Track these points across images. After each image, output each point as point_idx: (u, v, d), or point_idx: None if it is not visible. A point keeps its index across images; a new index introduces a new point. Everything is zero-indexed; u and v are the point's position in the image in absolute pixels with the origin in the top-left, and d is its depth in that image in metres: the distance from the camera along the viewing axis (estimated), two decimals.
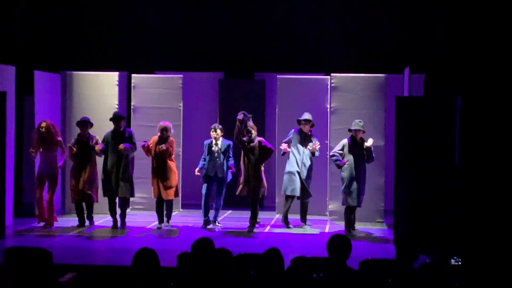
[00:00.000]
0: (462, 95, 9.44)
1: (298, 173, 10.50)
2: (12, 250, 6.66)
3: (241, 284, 5.23)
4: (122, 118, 10.46)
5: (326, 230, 10.66)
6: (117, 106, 11.94)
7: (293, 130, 10.71)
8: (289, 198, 10.56)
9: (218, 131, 10.51)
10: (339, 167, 10.18)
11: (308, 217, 10.75)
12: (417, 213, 9.61)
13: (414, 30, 12.86)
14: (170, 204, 10.45)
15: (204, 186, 10.48)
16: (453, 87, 10.07)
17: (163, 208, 10.40)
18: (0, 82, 10.45)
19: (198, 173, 10.53)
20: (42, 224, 10.31)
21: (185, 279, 5.66)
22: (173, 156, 10.49)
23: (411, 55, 12.51)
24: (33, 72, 11.56)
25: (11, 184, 10.60)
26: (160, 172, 10.29)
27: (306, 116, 10.61)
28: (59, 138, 10.30)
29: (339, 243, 5.54)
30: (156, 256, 5.04)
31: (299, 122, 10.65)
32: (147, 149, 10.22)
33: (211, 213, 10.55)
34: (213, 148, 10.45)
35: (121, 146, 10.07)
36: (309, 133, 10.64)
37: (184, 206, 12.62)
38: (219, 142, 10.47)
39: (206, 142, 10.60)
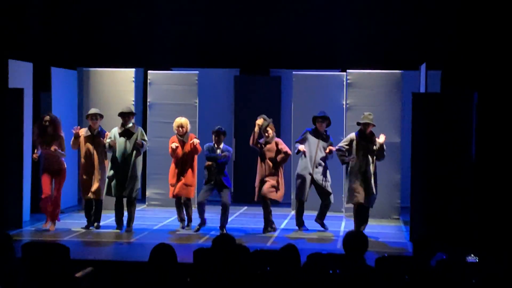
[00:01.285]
0: (478, 90, 9.40)
1: (311, 175, 10.00)
2: (29, 246, 6.72)
3: (258, 280, 5.24)
4: (130, 114, 10.01)
5: (342, 228, 10.63)
6: (133, 103, 11.98)
7: (306, 129, 10.29)
8: (298, 202, 10.13)
9: (222, 137, 10.03)
10: (344, 162, 9.82)
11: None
12: (434, 209, 9.59)
13: (430, 25, 12.79)
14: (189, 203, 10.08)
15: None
16: (469, 83, 9.99)
17: (182, 207, 10.08)
18: (17, 78, 10.52)
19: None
20: (47, 224, 9.89)
21: (202, 275, 5.68)
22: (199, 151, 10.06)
23: (427, 51, 12.45)
24: (50, 69, 11.62)
25: (28, 180, 10.68)
26: (183, 170, 9.95)
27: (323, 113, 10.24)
28: (62, 134, 9.94)
29: (355, 240, 5.53)
30: (174, 251, 5.06)
31: (314, 120, 10.18)
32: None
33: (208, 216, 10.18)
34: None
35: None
36: (325, 132, 10.21)
37: None
38: (221, 147, 9.99)
39: (206, 145, 10.06)
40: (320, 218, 10.11)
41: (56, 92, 11.70)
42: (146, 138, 10.09)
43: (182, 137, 10.00)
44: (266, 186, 9.84)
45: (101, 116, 10.11)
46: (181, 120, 10.07)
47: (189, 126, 10.11)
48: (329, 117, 10.17)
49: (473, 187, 9.47)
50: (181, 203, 10.07)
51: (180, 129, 10.00)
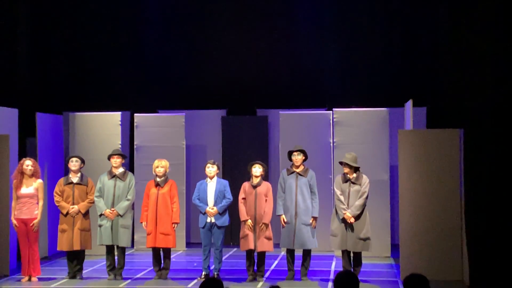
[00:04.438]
0: (464, 127, 9.44)
1: (295, 218, 9.43)
2: None
3: None
4: (119, 155, 9.77)
5: (332, 268, 10.54)
6: (120, 146, 11.94)
7: (282, 171, 9.79)
8: (288, 251, 9.60)
9: (216, 167, 9.72)
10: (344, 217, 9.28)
11: (313, 253, 9.87)
12: (424, 247, 9.54)
13: (415, 63, 12.91)
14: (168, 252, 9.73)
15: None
16: (455, 120, 10.03)
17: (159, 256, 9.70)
18: (3, 124, 10.48)
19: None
20: (25, 277, 9.52)
21: None
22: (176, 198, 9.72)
23: (412, 88, 12.53)
24: (35, 114, 11.59)
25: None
26: (159, 218, 9.57)
27: (299, 146, 9.66)
28: (41, 179, 9.69)
29: (346, 280, 5.46)
30: None
31: (290, 155, 9.65)
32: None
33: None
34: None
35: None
36: (303, 167, 9.59)
37: (189, 245, 12.55)
38: (214, 181, 9.70)
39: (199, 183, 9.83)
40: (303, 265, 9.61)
41: (42, 137, 11.65)
42: (133, 192, 9.76)
43: (160, 178, 9.72)
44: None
45: (83, 161, 9.91)
46: (161, 161, 9.75)
47: (168, 169, 9.81)
48: (304, 150, 9.59)
49: (462, 224, 9.45)
50: (159, 253, 9.70)
51: (160, 168, 9.64)
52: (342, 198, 9.31)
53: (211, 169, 9.66)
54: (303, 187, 9.50)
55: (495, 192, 8.93)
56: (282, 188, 9.59)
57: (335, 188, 9.51)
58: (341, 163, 9.51)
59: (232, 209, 10.00)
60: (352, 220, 9.21)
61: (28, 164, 9.57)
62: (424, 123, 12.18)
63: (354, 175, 9.33)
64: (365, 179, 9.36)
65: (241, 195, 9.52)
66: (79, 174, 9.77)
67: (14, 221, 9.51)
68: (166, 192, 9.64)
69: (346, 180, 9.38)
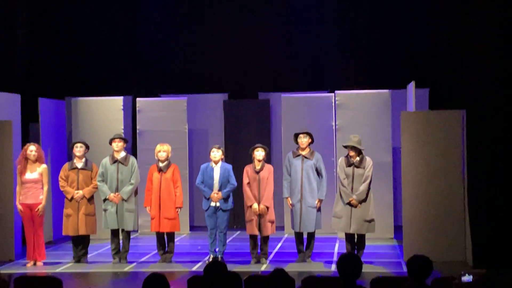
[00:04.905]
0: (467, 108, 9.44)
1: (301, 201, 9.45)
2: (22, 279, 6.65)
3: None
4: (121, 139, 9.75)
5: (336, 250, 10.58)
6: (122, 131, 11.96)
7: (288, 153, 9.76)
8: (296, 233, 9.60)
9: (220, 152, 9.71)
10: (348, 202, 9.32)
11: (317, 235, 9.91)
12: (427, 228, 9.58)
13: (417, 44, 12.88)
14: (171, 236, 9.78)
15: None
16: (458, 101, 10.03)
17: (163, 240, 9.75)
18: (5, 110, 10.49)
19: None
20: (30, 262, 9.57)
21: None
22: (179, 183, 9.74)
23: (414, 69, 12.51)
24: (38, 100, 11.61)
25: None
26: (163, 202, 9.61)
27: (305, 129, 9.66)
28: (45, 164, 9.68)
29: (349, 262, 5.49)
30: (166, 281, 5.00)
31: (296, 137, 9.66)
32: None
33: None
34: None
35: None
36: (309, 149, 9.58)
37: (193, 228, 12.61)
38: (219, 166, 9.65)
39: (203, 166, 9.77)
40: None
41: (45, 123, 11.67)
42: (136, 176, 9.75)
43: (163, 163, 9.71)
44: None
45: (88, 147, 9.91)
46: (163, 145, 9.78)
47: (170, 153, 9.81)
48: (311, 133, 9.57)
49: (465, 204, 9.47)
50: (163, 237, 9.73)
51: (162, 153, 9.64)
52: (346, 182, 9.31)
53: (216, 154, 9.62)
54: (309, 170, 9.49)
55: (497, 173, 8.96)
56: (288, 171, 9.61)
57: (338, 172, 9.52)
58: (346, 146, 9.44)
59: (235, 193, 10.01)
60: (359, 206, 9.23)
61: (32, 149, 9.59)
62: (427, 104, 12.17)
63: (358, 158, 9.33)
64: (368, 162, 9.35)
65: (245, 180, 9.54)
66: (83, 160, 9.80)
67: (19, 206, 9.55)
68: (169, 177, 9.66)
69: (349, 163, 9.35)
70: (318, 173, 9.55)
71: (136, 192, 9.89)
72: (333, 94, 11.98)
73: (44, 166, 9.61)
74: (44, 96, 11.85)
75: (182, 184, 9.96)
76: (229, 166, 9.74)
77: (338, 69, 13.13)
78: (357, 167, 9.30)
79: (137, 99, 12.57)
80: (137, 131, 12.51)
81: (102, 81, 13.22)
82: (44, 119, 11.66)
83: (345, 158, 9.45)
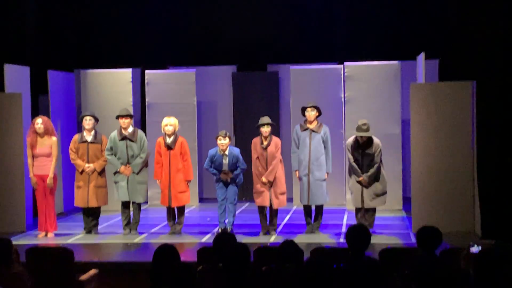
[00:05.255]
0: (477, 79, 9.39)
1: (309, 174, 9.47)
2: (33, 250, 6.72)
3: (263, 277, 5.24)
4: (128, 116, 9.71)
5: (344, 221, 10.62)
6: (131, 103, 11.98)
7: (296, 126, 9.75)
8: (304, 206, 9.67)
9: (228, 139, 9.54)
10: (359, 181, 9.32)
11: (325, 207, 9.88)
12: (436, 199, 9.59)
13: (427, 15, 12.76)
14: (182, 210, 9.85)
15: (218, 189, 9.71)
16: (468, 72, 9.97)
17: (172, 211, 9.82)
18: (15, 83, 10.51)
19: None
20: (41, 233, 9.66)
21: (207, 274, 5.68)
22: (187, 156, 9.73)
23: (424, 40, 12.42)
24: (47, 72, 11.62)
25: (29, 183, 10.66)
26: (173, 177, 9.65)
27: (312, 102, 9.59)
28: (55, 137, 9.64)
29: (358, 233, 5.52)
30: (177, 251, 5.05)
31: (303, 110, 9.61)
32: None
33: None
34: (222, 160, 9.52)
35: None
36: (316, 122, 9.54)
37: (202, 200, 12.67)
38: (227, 152, 9.52)
39: (210, 154, 9.62)
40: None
41: (54, 95, 11.71)
42: (146, 149, 9.77)
43: (170, 138, 9.67)
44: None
45: (97, 120, 9.90)
46: (170, 118, 9.67)
47: (178, 126, 9.74)
48: (318, 106, 9.52)
49: (474, 175, 9.47)
50: (173, 208, 9.77)
51: (168, 127, 9.58)
52: (355, 165, 9.28)
53: (223, 142, 9.47)
54: (317, 143, 9.49)
55: (507, 144, 8.93)
56: (296, 144, 9.62)
57: (347, 152, 9.44)
58: (357, 138, 9.20)
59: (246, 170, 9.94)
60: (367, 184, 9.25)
61: (38, 122, 9.58)
62: (437, 75, 12.11)
63: (365, 140, 9.24)
64: (376, 145, 9.23)
65: (254, 155, 9.55)
66: (93, 132, 9.81)
67: (34, 178, 9.59)
68: (177, 153, 9.66)
69: (358, 147, 9.28)
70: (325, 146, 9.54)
71: (146, 164, 9.92)
72: (342, 66, 11.93)
73: (54, 139, 9.62)
74: (53, 69, 11.86)
75: (191, 156, 9.98)
76: (237, 151, 9.63)
77: (347, 40, 13.05)
78: (365, 149, 9.25)
79: (146, 71, 12.56)
80: (146, 103, 12.52)
81: (111, 54, 13.19)
82: (53, 91, 11.69)
83: (354, 141, 9.30)
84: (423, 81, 10.55)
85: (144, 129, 12.60)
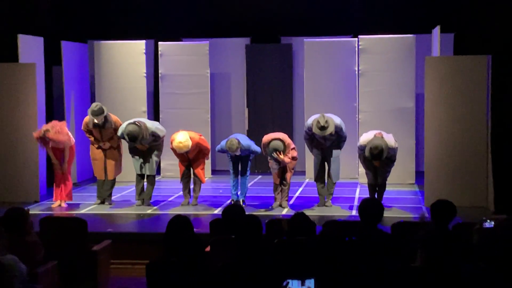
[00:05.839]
0: (492, 53, 9.30)
1: (321, 153, 9.54)
2: (47, 220, 6.77)
3: (275, 249, 5.27)
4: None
5: (357, 195, 10.63)
6: (145, 74, 11.98)
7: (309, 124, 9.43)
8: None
9: (239, 150, 9.33)
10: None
11: (340, 180, 9.90)
12: (448, 174, 9.57)
13: None
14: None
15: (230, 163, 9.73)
16: (483, 46, 9.88)
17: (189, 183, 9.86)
18: (29, 53, 10.52)
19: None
20: (56, 202, 9.75)
21: (218, 245, 5.72)
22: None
23: (440, 14, 12.29)
24: (60, 43, 11.62)
25: (43, 154, 10.73)
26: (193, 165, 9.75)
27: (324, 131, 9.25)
28: (71, 142, 9.62)
29: (371, 207, 5.53)
30: (190, 222, 5.08)
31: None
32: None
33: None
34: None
35: None
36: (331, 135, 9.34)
37: (215, 172, 12.71)
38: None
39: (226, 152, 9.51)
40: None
41: (68, 66, 11.73)
42: (159, 149, 9.77)
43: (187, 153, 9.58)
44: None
45: (102, 112, 9.61)
46: (180, 146, 9.31)
47: (190, 143, 9.34)
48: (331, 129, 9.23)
49: (488, 150, 9.43)
50: (189, 178, 9.83)
51: (181, 151, 9.40)
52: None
53: (236, 153, 9.33)
54: (331, 146, 9.48)
55: None
56: (309, 143, 9.56)
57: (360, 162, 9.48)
58: (374, 158, 8.94)
59: (258, 140, 9.96)
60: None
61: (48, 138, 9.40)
62: (452, 49, 12.00)
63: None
64: (392, 155, 9.09)
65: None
66: (103, 119, 9.67)
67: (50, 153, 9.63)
68: (197, 153, 9.65)
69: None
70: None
71: (162, 142, 9.85)
72: (356, 38, 11.85)
73: (68, 146, 9.53)
74: (67, 39, 11.86)
75: (204, 128, 9.99)
76: (247, 144, 9.40)
77: (361, 13, 12.92)
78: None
79: (159, 42, 12.53)
80: (159, 74, 12.51)
81: (125, 25, 13.16)
82: (67, 62, 11.70)
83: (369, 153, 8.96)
84: (438, 55, 10.46)
85: (157, 100, 12.62)
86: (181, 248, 4.65)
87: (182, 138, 9.31)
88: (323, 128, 9.12)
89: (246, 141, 9.46)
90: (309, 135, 9.42)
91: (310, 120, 9.33)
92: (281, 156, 9.15)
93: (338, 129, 9.30)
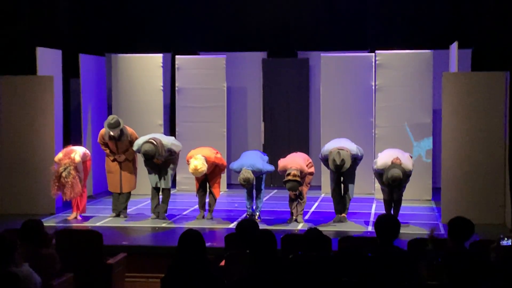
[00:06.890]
0: (511, 70, 9.24)
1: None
2: (63, 232, 6.79)
3: (290, 264, 5.24)
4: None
5: (373, 210, 10.57)
6: (161, 88, 12.02)
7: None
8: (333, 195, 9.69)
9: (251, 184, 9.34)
10: None
11: (354, 195, 9.68)
12: (466, 191, 9.49)
13: (460, 3, 12.59)
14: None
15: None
16: (501, 62, 9.82)
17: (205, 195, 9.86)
18: (47, 65, 10.59)
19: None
20: (72, 214, 9.78)
21: (233, 260, 5.69)
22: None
23: (457, 29, 12.26)
24: (78, 55, 11.69)
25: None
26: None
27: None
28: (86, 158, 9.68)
29: (387, 223, 5.49)
30: (201, 237, 5.06)
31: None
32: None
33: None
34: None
35: None
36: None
37: (230, 186, 12.69)
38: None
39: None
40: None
41: (85, 78, 11.79)
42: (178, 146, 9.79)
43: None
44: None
45: (119, 124, 9.64)
46: (196, 172, 9.33)
47: (206, 166, 9.35)
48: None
49: (506, 167, 9.35)
50: (205, 192, 9.80)
51: (198, 175, 9.46)
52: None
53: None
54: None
55: None
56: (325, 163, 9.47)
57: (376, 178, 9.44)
58: (393, 188, 8.93)
59: (272, 156, 9.97)
60: None
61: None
62: (469, 65, 11.95)
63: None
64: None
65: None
66: (119, 133, 9.70)
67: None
68: (213, 171, 9.66)
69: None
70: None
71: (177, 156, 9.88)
72: (373, 54, 11.83)
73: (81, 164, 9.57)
74: (85, 52, 11.93)
75: (220, 141, 9.97)
76: (260, 167, 9.34)
77: (379, 28, 12.92)
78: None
79: (176, 56, 12.58)
80: (176, 88, 12.54)
81: (142, 38, 13.24)
82: (84, 75, 11.77)
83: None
84: (456, 71, 10.41)
85: (173, 113, 12.65)
86: (192, 262, 4.63)
87: (198, 164, 9.28)
88: (339, 167, 9.03)
89: (257, 164, 9.34)
90: (325, 160, 9.35)
91: (327, 150, 9.22)
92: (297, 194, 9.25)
93: (354, 156, 9.24)
